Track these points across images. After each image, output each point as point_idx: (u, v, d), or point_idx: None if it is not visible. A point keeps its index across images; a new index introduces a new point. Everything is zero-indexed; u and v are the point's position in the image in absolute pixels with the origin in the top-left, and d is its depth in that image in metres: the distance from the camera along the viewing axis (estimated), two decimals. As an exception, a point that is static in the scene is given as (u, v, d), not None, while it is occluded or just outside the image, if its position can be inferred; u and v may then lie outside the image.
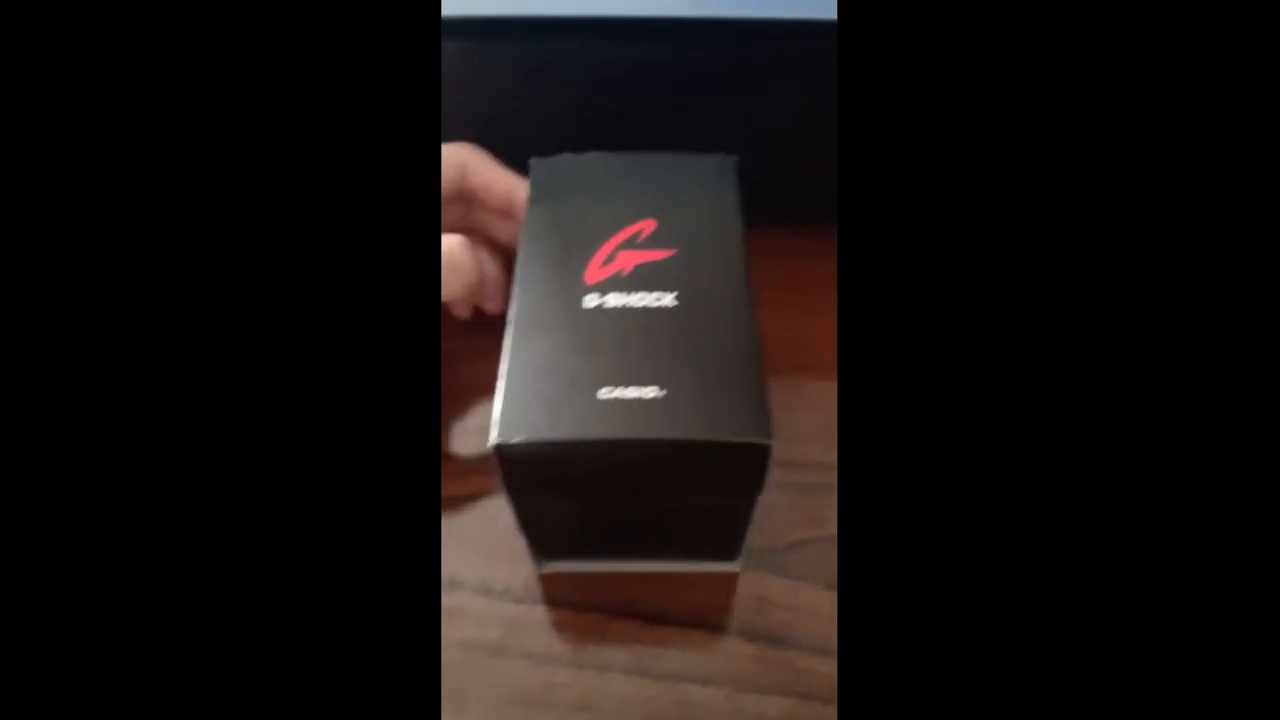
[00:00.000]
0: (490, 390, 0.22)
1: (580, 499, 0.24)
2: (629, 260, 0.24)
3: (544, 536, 0.27)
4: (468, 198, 0.33)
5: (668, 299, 0.23)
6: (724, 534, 0.26)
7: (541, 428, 0.21)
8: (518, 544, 0.29)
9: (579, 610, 0.28)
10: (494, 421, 0.21)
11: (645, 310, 0.23)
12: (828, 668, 0.27)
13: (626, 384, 0.21)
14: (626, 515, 0.26)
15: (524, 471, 0.22)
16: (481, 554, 0.29)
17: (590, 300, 0.23)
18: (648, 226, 0.25)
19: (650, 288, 0.24)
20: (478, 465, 0.31)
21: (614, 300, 0.23)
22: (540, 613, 0.28)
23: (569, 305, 0.23)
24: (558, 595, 0.28)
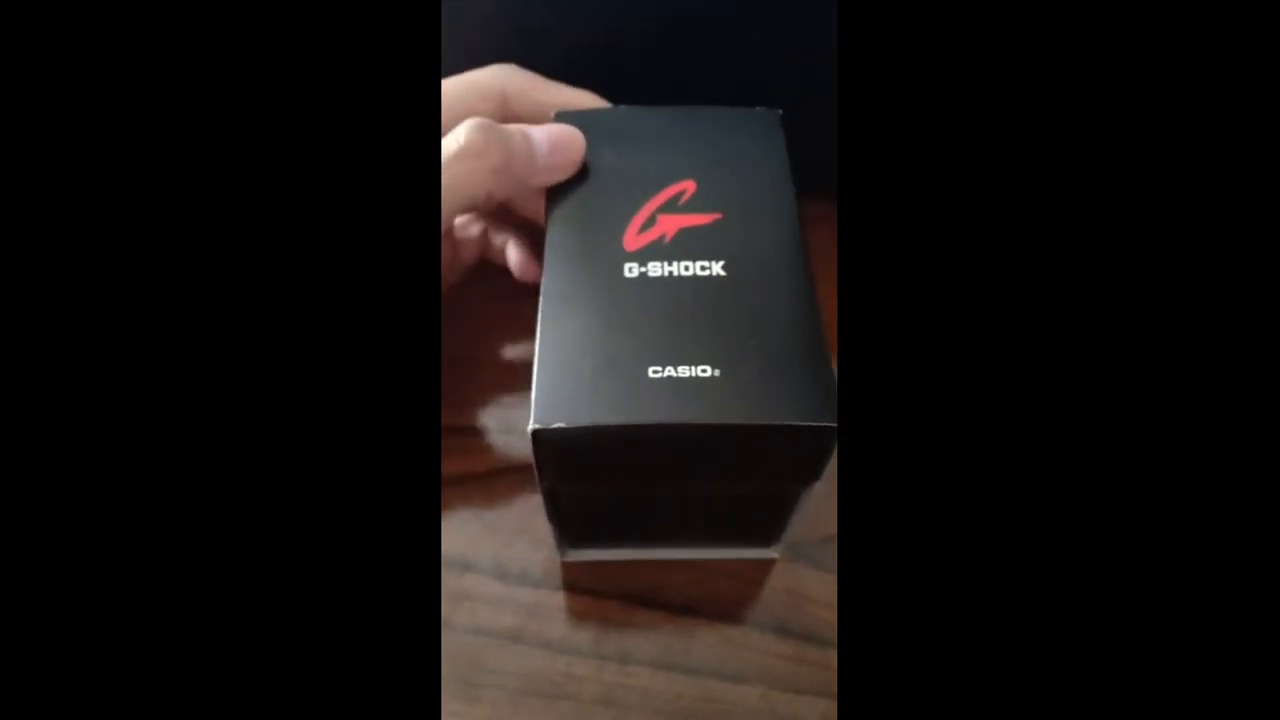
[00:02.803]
0: (516, 363, 0.20)
1: (621, 486, 0.22)
2: (670, 225, 0.22)
3: (574, 523, 0.25)
4: None
5: (715, 268, 0.21)
6: (767, 519, 0.24)
7: (583, 412, 0.19)
8: (536, 524, 0.27)
9: (601, 597, 0.26)
10: (531, 405, 0.19)
11: (692, 280, 0.21)
12: (867, 668, 0.25)
13: (676, 363, 0.19)
14: (666, 501, 0.24)
15: (565, 460, 0.20)
16: (498, 534, 0.27)
17: (630, 269, 0.21)
18: (688, 188, 0.23)
19: (695, 256, 0.21)
20: (495, 441, 0.29)
21: (656, 269, 0.21)
22: (560, 599, 0.26)
23: (607, 275, 0.21)
24: (578, 581, 0.27)
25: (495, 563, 0.27)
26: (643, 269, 0.21)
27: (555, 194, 0.24)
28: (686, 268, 0.21)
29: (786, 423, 0.18)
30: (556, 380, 0.19)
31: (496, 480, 0.29)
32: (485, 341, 0.32)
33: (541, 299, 0.21)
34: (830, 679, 0.25)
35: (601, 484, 0.22)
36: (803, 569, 0.27)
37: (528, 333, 0.21)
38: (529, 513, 0.28)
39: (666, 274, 0.21)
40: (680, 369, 0.19)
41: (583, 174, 0.24)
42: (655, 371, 0.19)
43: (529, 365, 0.21)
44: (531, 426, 0.19)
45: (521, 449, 0.29)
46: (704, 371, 0.19)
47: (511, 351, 0.31)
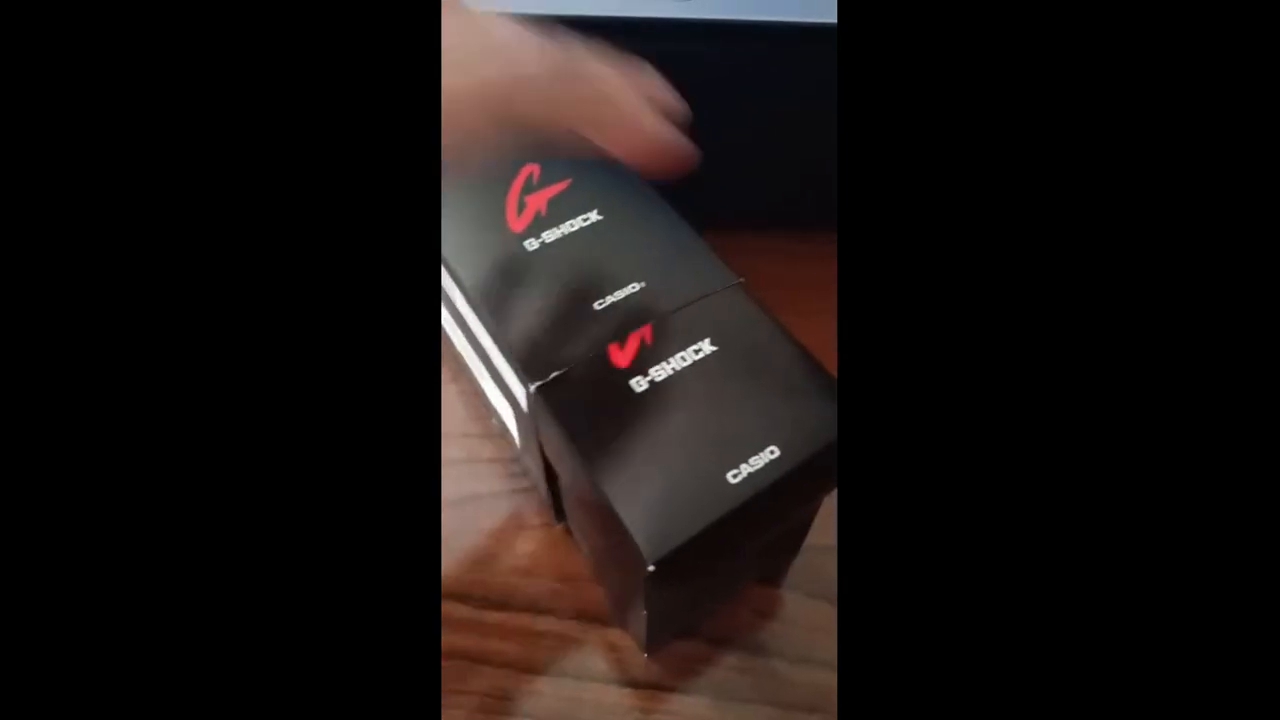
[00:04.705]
0: (479, 396, 0.21)
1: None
2: (538, 201, 0.26)
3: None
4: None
5: (593, 215, 0.25)
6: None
7: (557, 358, 0.22)
8: (494, 547, 0.29)
9: (558, 617, 0.27)
10: (515, 366, 0.22)
11: (583, 230, 0.25)
12: (811, 678, 0.26)
13: (611, 290, 0.23)
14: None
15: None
16: (458, 558, 0.29)
17: (530, 244, 0.24)
18: (534, 170, 0.27)
19: (573, 214, 0.25)
20: (462, 471, 0.31)
21: (550, 235, 0.25)
22: (518, 620, 0.27)
23: (515, 254, 0.24)
24: (535, 602, 0.28)
25: (459, 587, 0.28)
26: (539, 240, 0.25)
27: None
28: (572, 224, 0.25)
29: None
30: (528, 336, 0.23)
31: (464, 507, 0.30)
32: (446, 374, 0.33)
33: (466, 293, 0.24)
34: (776, 688, 0.26)
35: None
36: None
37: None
38: (487, 537, 0.29)
39: (561, 235, 0.25)
40: (616, 293, 0.23)
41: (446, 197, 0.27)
42: (599, 304, 0.23)
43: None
44: (532, 386, 0.21)
45: (486, 477, 0.31)
46: (635, 287, 0.23)
47: (473, 385, 0.33)
